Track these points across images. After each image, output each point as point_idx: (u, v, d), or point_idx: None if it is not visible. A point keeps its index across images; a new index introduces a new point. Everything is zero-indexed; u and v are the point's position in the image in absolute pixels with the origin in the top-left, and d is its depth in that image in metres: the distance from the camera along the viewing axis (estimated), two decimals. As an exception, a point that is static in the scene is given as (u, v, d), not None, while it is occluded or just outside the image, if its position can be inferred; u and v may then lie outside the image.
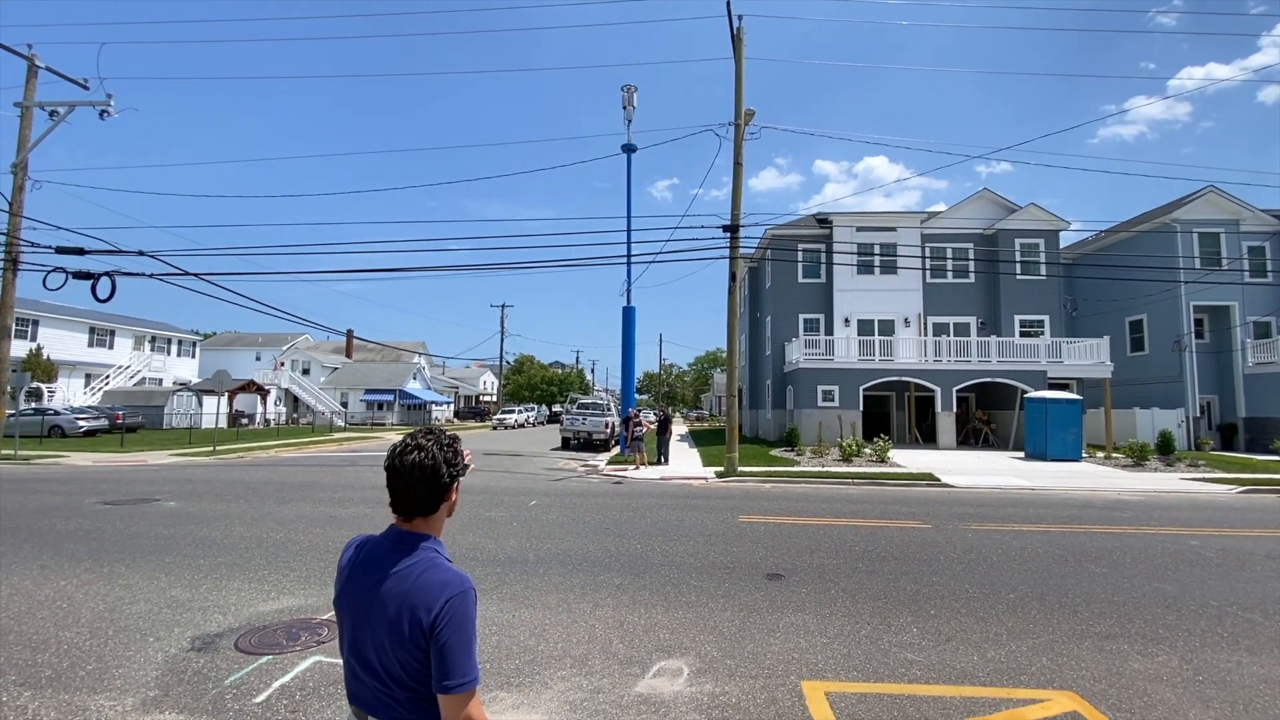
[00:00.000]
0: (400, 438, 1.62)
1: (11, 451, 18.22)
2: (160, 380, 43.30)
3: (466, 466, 1.64)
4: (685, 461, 19.57)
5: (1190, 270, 24.75)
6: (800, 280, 28.33)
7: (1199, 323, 26.17)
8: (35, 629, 4.71)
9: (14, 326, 19.11)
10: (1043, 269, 26.60)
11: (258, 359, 56.81)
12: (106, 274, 15.93)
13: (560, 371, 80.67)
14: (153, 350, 44.24)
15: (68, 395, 35.83)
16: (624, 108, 21.63)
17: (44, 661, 4.13)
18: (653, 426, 23.20)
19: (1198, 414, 25.43)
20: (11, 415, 19.90)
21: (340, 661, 4.44)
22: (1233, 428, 25.54)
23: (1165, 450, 18.87)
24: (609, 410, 26.80)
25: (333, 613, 5.13)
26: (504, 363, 65.30)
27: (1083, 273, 29.31)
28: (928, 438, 26.21)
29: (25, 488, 12.32)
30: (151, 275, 17.17)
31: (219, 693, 3.73)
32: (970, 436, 26.47)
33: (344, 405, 50.75)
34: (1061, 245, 28.12)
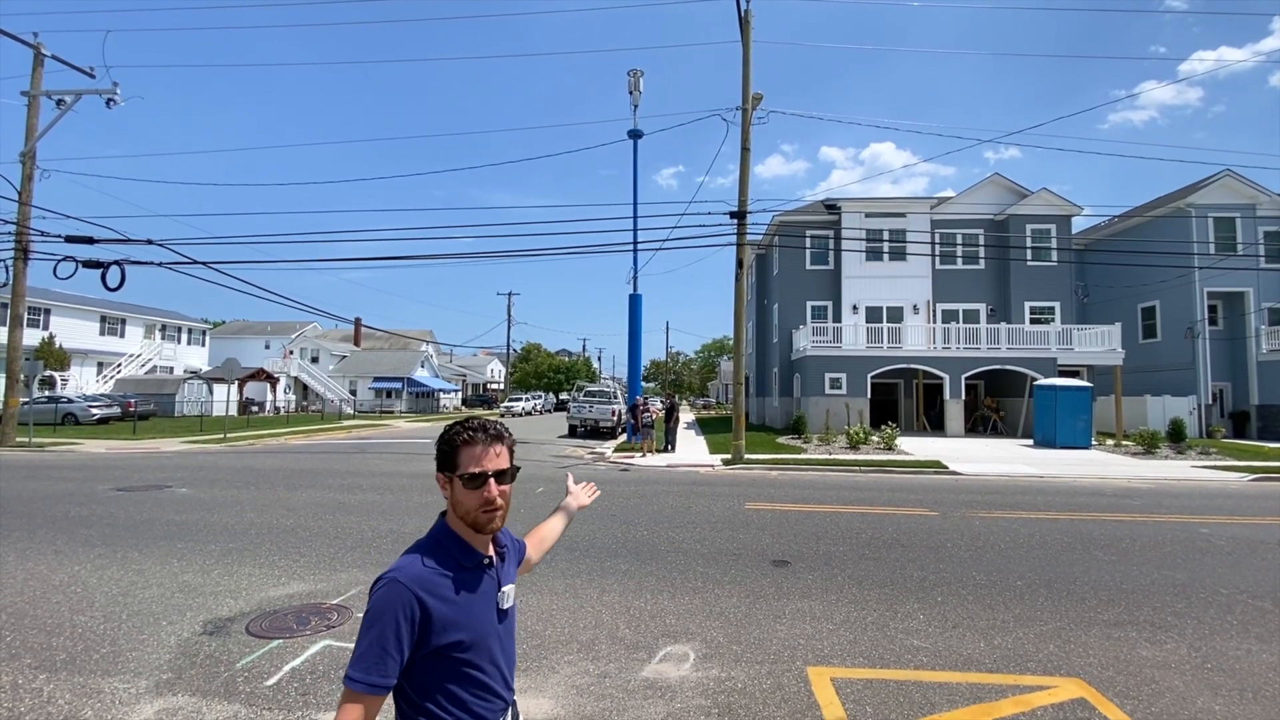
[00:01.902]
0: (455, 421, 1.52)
1: (26, 439, 18.46)
2: (171, 368, 43.68)
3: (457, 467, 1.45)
4: (692, 449, 19.59)
5: (1205, 255, 24.40)
6: (808, 267, 28.12)
7: (1212, 309, 25.85)
8: (50, 613, 4.78)
9: (26, 315, 19.29)
10: (1054, 255, 26.26)
11: (267, 347, 57.18)
12: (116, 263, 16.03)
13: (567, 359, 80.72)
14: (163, 339, 44.59)
15: (80, 383, 36.20)
16: (630, 92, 21.41)
17: (59, 645, 4.19)
18: (660, 414, 23.22)
19: (1210, 401, 25.19)
20: (25, 403, 20.15)
21: (349, 646, 4.47)
22: (1245, 415, 25.29)
23: (1176, 438, 18.72)
24: (616, 398, 26.83)
25: (341, 597, 5.19)
26: (511, 350, 65.44)
27: (1095, 259, 28.96)
28: (936, 425, 26.11)
29: (40, 474, 12.49)
30: (160, 264, 17.28)
31: (230, 675, 3.78)
32: (979, 424, 26.34)
33: (353, 393, 51.08)
34: (1073, 231, 27.77)
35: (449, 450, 1.46)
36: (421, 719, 1.35)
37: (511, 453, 1.50)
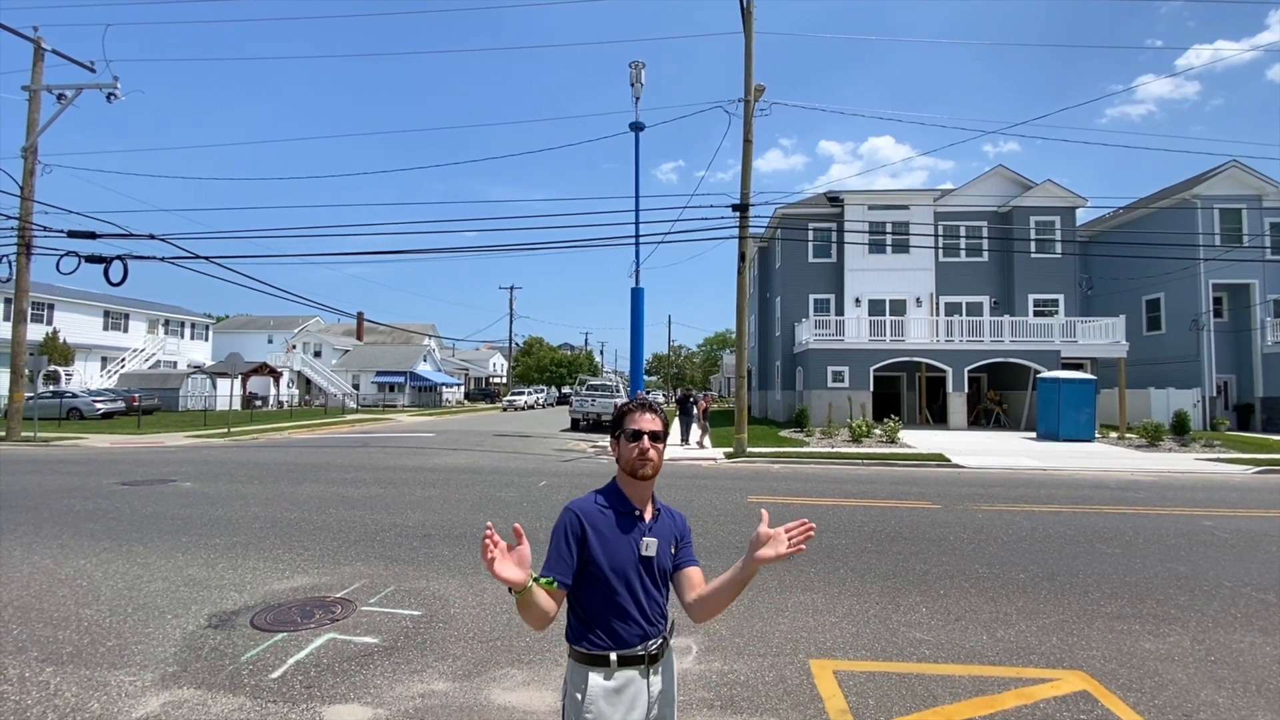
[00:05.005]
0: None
1: (31, 433, 18.54)
2: (175, 363, 43.80)
3: (619, 425, 1.95)
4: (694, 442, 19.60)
5: (1210, 247, 24.25)
6: (810, 260, 28.05)
7: (1218, 301, 25.70)
8: (56, 606, 4.80)
9: (30, 310, 19.33)
10: (1058, 247, 26.13)
11: (270, 341, 57.27)
12: (119, 258, 16.05)
13: (569, 353, 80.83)
14: (166, 333, 44.69)
15: (84, 378, 36.33)
16: (632, 85, 21.23)
17: (65, 638, 4.21)
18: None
19: (1214, 394, 25.10)
20: (30, 398, 20.22)
21: (352, 639, 4.48)
22: (1250, 408, 25.20)
23: (1180, 430, 18.67)
24: (618, 392, 26.83)
25: (345, 591, 5.21)
26: (513, 344, 65.47)
27: (1099, 251, 28.81)
28: (938, 418, 26.08)
29: (45, 469, 12.55)
30: (163, 259, 17.30)
31: (235, 669, 3.80)
32: (981, 417, 26.29)
33: (355, 387, 51.17)
34: (1078, 223, 27.61)
35: (619, 417, 1.96)
36: (573, 618, 1.81)
37: (664, 422, 1.94)
